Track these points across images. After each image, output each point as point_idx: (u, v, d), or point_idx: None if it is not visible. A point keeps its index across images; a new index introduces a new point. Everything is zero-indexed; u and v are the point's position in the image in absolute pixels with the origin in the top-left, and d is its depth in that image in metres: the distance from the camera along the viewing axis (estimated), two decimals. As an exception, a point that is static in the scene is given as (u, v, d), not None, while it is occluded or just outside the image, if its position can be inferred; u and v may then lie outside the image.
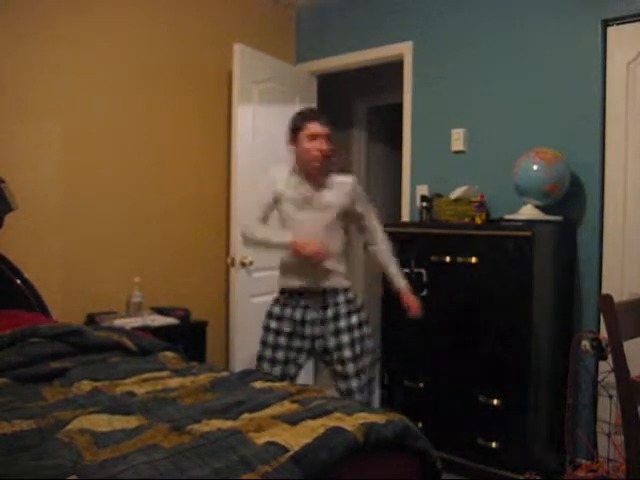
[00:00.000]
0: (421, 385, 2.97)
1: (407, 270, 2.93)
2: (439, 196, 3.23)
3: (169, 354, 2.37)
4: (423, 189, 3.50)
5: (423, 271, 2.92)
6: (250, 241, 2.53)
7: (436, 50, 3.50)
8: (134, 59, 3.34)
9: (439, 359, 2.92)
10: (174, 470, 1.30)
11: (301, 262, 2.44)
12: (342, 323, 2.49)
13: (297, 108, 3.97)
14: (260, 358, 2.56)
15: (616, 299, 1.63)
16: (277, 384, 2.01)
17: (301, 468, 1.35)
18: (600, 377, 2.72)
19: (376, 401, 3.14)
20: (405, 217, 3.61)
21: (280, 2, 4.10)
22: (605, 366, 2.60)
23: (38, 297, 2.87)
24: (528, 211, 2.87)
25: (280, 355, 2.53)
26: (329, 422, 1.56)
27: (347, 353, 2.46)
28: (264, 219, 2.54)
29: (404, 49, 3.64)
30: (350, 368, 2.46)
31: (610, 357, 1.75)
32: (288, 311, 2.53)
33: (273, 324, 2.55)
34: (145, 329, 2.89)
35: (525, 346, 2.64)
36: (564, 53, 3.01)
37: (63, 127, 3.05)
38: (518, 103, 3.17)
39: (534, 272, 2.63)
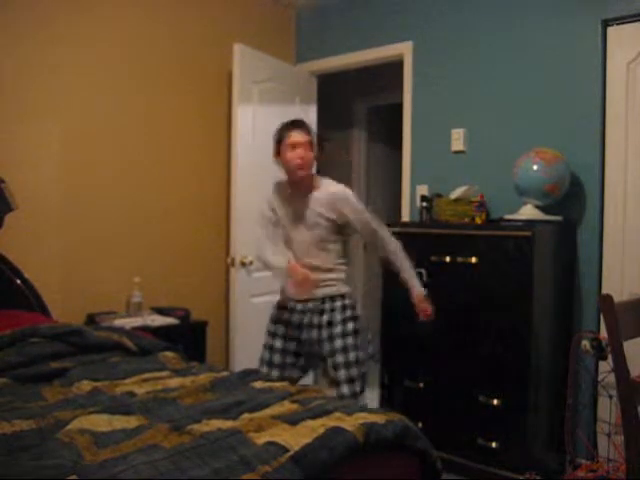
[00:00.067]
0: (421, 385, 2.97)
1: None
2: (439, 196, 3.23)
3: (169, 354, 2.38)
4: (423, 189, 3.50)
5: (423, 271, 2.91)
6: (261, 262, 2.62)
7: (436, 50, 3.50)
8: (134, 59, 3.34)
9: (439, 359, 2.92)
10: (174, 470, 1.30)
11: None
12: (337, 329, 2.48)
13: (297, 108, 3.99)
14: (260, 360, 2.59)
15: (616, 299, 1.63)
16: (277, 384, 2.01)
17: (301, 468, 1.35)
18: (600, 377, 2.71)
19: (376, 401, 3.14)
20: (405, 217, 3.61)
21: (280, 2, 4.10)
22: (605, 366, 2.60)
23: (38, 297, 2.87)
24: (528, 211, 2.87)
25: (277, 358, 2.55)
26: (329, 422, 1.56)
27: (339, 359, 2.45)
28: (273, 238, 2.58)
29: (404, 49, 3.64)
30: (342, 374, 2.45)
31: (610, 357, 1.75)
32: (286, 315, 2.56)
33: (272, 328, 2.59)
34: (145, 329, 2.89)
35: (525, 346, 2.64)
36: (564, 53, 3.01)
37: (63, 127, 3.05)
38: (518, 103, 3.17)
39: (534, 272, 2.63)
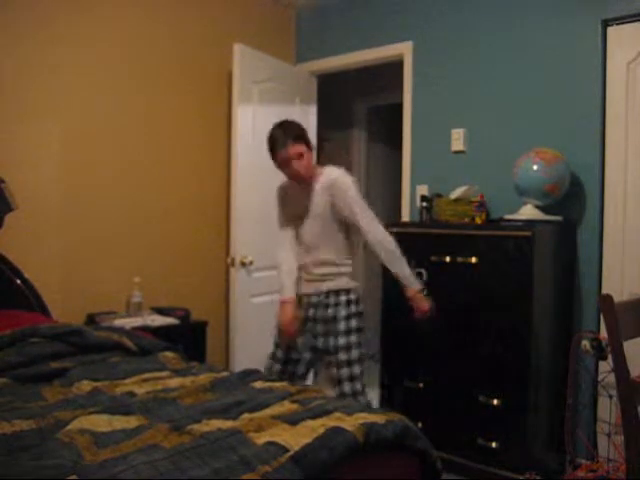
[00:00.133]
0: (421, 385, 2.97)
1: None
2: (439, 196, 3.23)
3: (169, 354, 2.38)
4: (423, 189, 3.50)
5: (423, 271, 2.91)
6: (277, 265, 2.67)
7: (436, 50, 3.50)
8: (134, 59, 3.34)
9: (439, 359, 2.92)
10: (174, 470, 1.30)
11: (306, 271, 2.55)
12: (341, 326, 2.48)
13: (297, 108, 3.99)
14: (270, 356, 2.64)
15: (616, 299, 1.63)
16: (277, 384, 2.01)
17: (301, 468, 1.35)
18: (600, 377, 2.71)
19: (376, 401, 3.14)
20: (405, 217, 3.61)
21: (280, 2, 4.10)
22: (605, 366, 2.60)
23: (38, 297, 2.87)
24: (528, 211, 2.87)
25: (280, 353, 2.58)
26: (329, 422, 1.56)
27: (342, 356, 2.46)
28: (286, 235, 2.62)
29: (404, 49, 3.64)
30: (344, 372, 2.45)
31: (610, 357, 1.75)
32: (302, 311, 2.58)
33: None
34: (145, 329, 2.89)
35: (525, 346, 2.64)
36: (564, 53, 3.01)
37: (63, 127, 3.05)
38: (518, 103, 3.17)
39: (534, 272, 2.63)
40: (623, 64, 2.83)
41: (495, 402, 2.71)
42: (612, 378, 1.73)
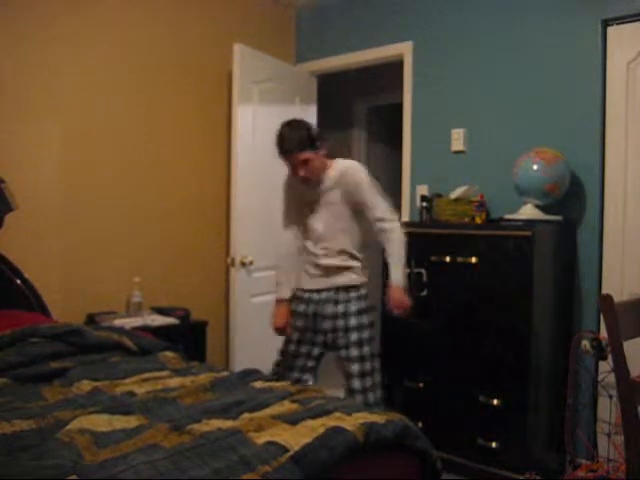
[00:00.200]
0: (421, 385, 2.97)
1: (407, 270, 2.93)
2: (439, 196, 3.23)
3: (169, 354, 2.38)
4: (423, 189, 3.50)
5: (423, 271, 2.92)
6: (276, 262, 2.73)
7: (436, 50, 3.50)
8: (134, 59, 3.34)
9: (439, 359, 2.92)
10: (174, 470, 1.30)
11: (314, 264, 2.55)
12: (352, 321, 2.49)
13: (297, 108, 3.99)
14: (280, 352, 2.66)
15: (616, 299, 1.63)
16: (277, 384, 2.01)
17: (301, 468, 1.35)
18: (600, 377, 2.71)
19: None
20: (405, 217, 3.60)
21: (280, 2, 4.10)
22: (605, 366, 2.60)
23: (38, 297, 2.87)
24: (528, 211, 2.87)
25: (292, 347, 2.60)
26: (329, 422, 1.56)
27: (354, 352, 2.47)
28: (289, 230, 2.65)
29: (404, 49, 3.64)
30: (355, 367, 2.46)
31: (610, 357, 1.75)
32: (302, 307, 2.59)
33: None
34: (145, 329, 2.89)
35: (525, 346, 2.64)
36: (564, 53, 3.01)
37: (63, 127, 3.05)
38: (518, 103, 3.17)
39: (534, 272, 2.63)
40: (623, 64, 2.83)
41: (495, 402, 2.71)
42: (612, 378, 1.73)
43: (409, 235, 3.00)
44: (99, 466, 1.31)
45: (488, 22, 3.28)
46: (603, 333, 2.55)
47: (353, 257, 2.55)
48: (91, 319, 3.04)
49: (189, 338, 3.18)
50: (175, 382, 1.99)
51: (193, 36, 3.62)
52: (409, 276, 2.91)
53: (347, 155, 4.98)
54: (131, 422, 1.59)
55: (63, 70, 3.03)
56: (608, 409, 2.66)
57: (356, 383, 2.46)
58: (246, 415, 1.64)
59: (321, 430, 1.50)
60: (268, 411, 1.67)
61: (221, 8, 3.78)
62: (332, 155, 2.63)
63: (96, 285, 3.18)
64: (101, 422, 1.57)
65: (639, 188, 2.81)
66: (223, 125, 3.79)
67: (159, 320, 3.12)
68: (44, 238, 2.99)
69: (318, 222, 2.54)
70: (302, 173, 2.45)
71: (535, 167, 2.79)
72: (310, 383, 2.58)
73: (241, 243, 3.54)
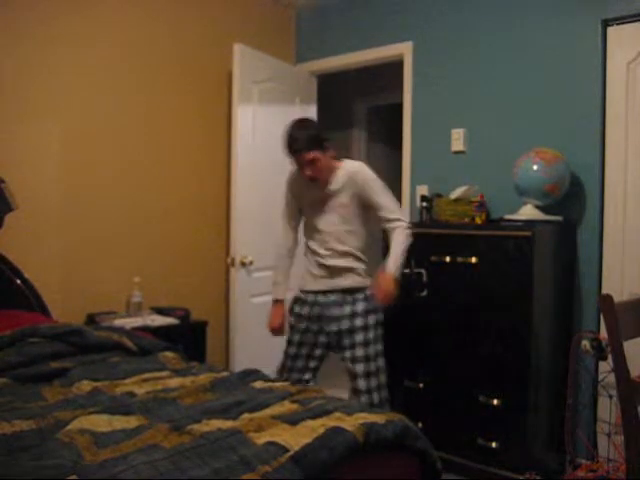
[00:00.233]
0: (421, 385, 2.97)
1: (407, 270, 2.93)
2: (439, 196, 3.23)
3: (169, 354, 2.38)
4: (423, 189, 3.50)
5: (423, 271, 2.92)
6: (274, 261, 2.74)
7: (436, 50, 3.50)
8: (134, 59, 3.34)
9: (439, 359, 2.92)
10: (174, 470, 1.30)
11: (318, 265, 2.54)
12: (358, 322, 2.50)
13: (297, 108, 3.99)
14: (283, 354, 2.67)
15: (616, 299, 1.63)
16: (277, 384, 2.01)
17: (301, 468, 1.35)
18: (600, 377, 2.72)
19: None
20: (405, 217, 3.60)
21: (280, 2, 4.10)
22: (605, 366, 2.60)
23: (38, 297, 2.87)
24: (528, 211, 2.87)
25: (292, 350, 2.60)
26: (329, 422, 1.56)
27: (359, 352, 2.47)
28: (287, 231, 2.66)
29: (404, 49, 3.64)
30: (360, 367, 2.47)
31: (610, 357, 1.75)
32: (306, 309, 2.58)
33: (291, 321, 2.64)
34: (145, 329, 2.89)
35: (525, 346, 2.64)
36: (564, 53, 3.01)
37: (63, 127, 3.05)
38: (518, 103, 3.17)
39: (534, 272, 2.63)
40: (623, 64, 2.83)
41: (495, 402, 2.71)
42: (612, 378, 1.73)
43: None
44: (99, 466, 1.31)
45: (488, 22, 3.28)
46: (603, 333, 2.55)
47: (358, 259, 2.56)
48: (91, 319, 3.04)
49: (189, 338, 3.18)
50: (175, 382, 1.99)
51: (193, 36, 3.62)
52: (409, 276, 2.92)
53: (347, 155, 4.98)
54: (131, 422, 1.59)
55: (63, 70, 3.03)
56: (608, 409, 2.66)
57: (361, 383, 2.46)
58: (246, 415, 1.64)
59: (321, 430, 1.50)
60: (268, 411, 1.67)
61: (221, 8, 3.77)
62: (337, 156, 2.63)
63: (96, 285, 3.18)
64: (101, 422, 1.57)
65: (639, 188, 2.81)
66: (223, 125, 3.79)
67: (159, 320, 3.12)
68: (44, 238, 2.99)
69: (325, 223, 2.54)
70: (309, 172, 2.44)
71: (535, 167, 2.79)
72: (311, 383, 2.58)
73: (241, 243, 3.54)
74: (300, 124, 2.50)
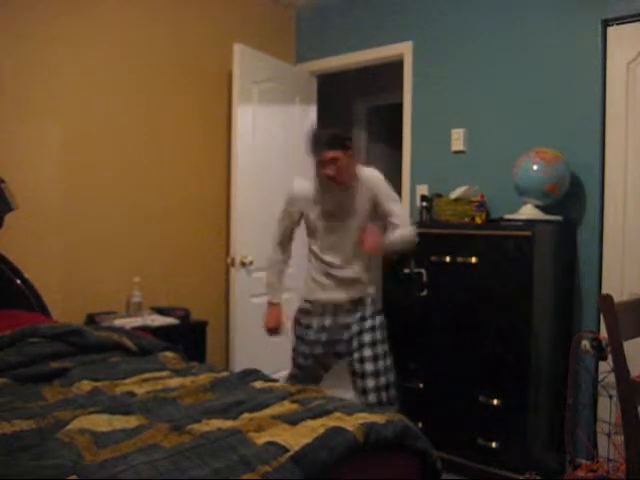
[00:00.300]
0: (421, 385, 2.97)
1: (407, 270, 2.93)
2: (439, 196, 3.23)
3: (169, 354, 2.38)
4: (423, 189, 3.50)
5: (423, 271, 2.91)
6: (269, 264, 2.72)
7: (436, 50, 3.50)
8: (134, 59, 3.34)
9: (439, 359, 2.92)
10: (174, 470, 1.30)
11: (327, 274, 2.52)
12: (367, 323, 2.52)
13: (297, 108, 4.00)
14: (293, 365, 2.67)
15: (616, 299, 1.63)
16: (277, 384, 2.01)
17: (301, 468, 1.35)
18: (600, 377, 2.71)
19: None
20: (405, 217, 3.61)
21: (280, 2, 4.10)
22: (605, 366, 2.60)
23: (38, 297, 2.87)
24: (528, 211, 2.87)
25: (301, 361, 2.60)
26: (329, 422, 1.56)
27: (367, 352, 2.48)
28: (284, 238, 2.64)
29: (404, 49, 3.64)
30: (368, 367, 2.47)
31: (610, 357, 1.75)
32: (315, 320, 2.56)
33: (299, 332, 2.61)
34: (145, 329, 2.89)
35: (525, 346, 2.64)
36: (564, 53, 3.01)
37: (63, 127, 3.05)
38: (518, 103, 3.17)
39: (534, 272, 2.63)
40: (623, 64, 2.83)
41: (495, 402, 2.71)
42: (612, 378, 1.73)
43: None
44: (99, 466, 1.31)
45: (488, 22, 3.28)
46: (603, 333, 2.55)
47: (367, 268, 2.57)
48: (91, 319, 3.04)
49: (189, 338, 3.18)
50: (175, 382, 1.99)
51: (193, 36, 3.62)
52: (409, 276, 2.92)
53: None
54: (131, 422, 1.59)
55: (63, 70, 3.03)
56: (608, 409, 2.66)
57: (370, 382, 2.47)
58: (246, 415, 1.64)
59: (321, 430, 1.50)
60: (268, 411, 1.67)
61: (221, 8, 3.77)
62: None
63: (96, 285, 3.18)
64: (101, 422, 1.57)
65: (639, 188, 2.81)
66: (223, 125, 3.79)
67: (159, 320, 3.12)
68: (44, 238, 2.99)
69: (339, 232, 2.50)
70: (330, 172, 2.40)
71: (535, 167, 2.79)
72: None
73: (241, 243, 3.54)
74: (322, 126, 2.53)
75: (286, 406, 1.73)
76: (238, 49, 3.52)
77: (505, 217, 2.92)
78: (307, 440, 1.44)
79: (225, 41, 3.66)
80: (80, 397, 1.82)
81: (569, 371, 2.77)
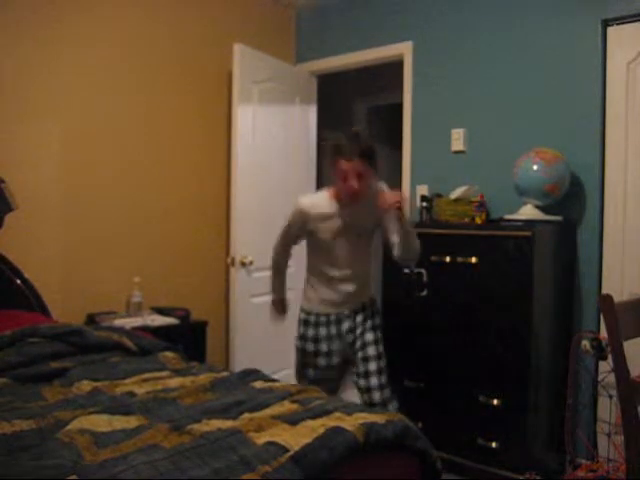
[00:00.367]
0: (421, 385, 2.97)
1: (407, 270, 2.94)
2: (439, 196, 3.23)
3: (169, 354, 2.37)
4: (423, 189, 3.50)
5: (423, 271, 2.91)
6: (273, 270, 2.76)
7: (436, 50, 3.50)
8: (134, 59, 3.34)
9: (439, 359, 2.92)
10: (174, 470, 1.30)
11: (333, 290, 2.50)
12: (368, 323, 2.54)
13: (297, 108, 4.00)
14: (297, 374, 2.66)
15: (616, 299, 1.63)
16: (277, 384, 2.01)
17: (301, 468, 1.35)
18: (600, 377, 2.71)
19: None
20: (405, 217, 3.61)
21: (280, 2, 4.10)
22: (605, 366, 2.60)
23: (38, 297, 2.87)
24: (528, 211, 2.87)
25: (309, 373, 2.58)
26: (329, 422, 1.56)
27: (371, 351, 2.49)
28: (287, 247, 2.65)
29: (404, 49, 3.64)
30: (372, 366, 2.48)
31: (610, 357, 1.75)
32: (321, 330, 2.55)
33: (301, 345, 2.59)
34: (145, 329, 2.89)
35: (525, 346, 2.64)
36: (564, 53, 3.01)
37: (63, 127, 3.05)
38: (518, 103, 3.17)
39: (534, 272, 2.63)
40: (623, 64, 2.83)
41: (495, 402, 2.71)
42: (612, 378, 1.73)
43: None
44: (99, 466, 1.31)
45: (488, 22, 3.28)
46: (603, 333, 2.55)
47: (369, 282, 2.60)
48: (91, 319, 3.04)
49: (189, 338, 3.18)
50: (175, 382, 1.99)
51: (193, 36, 3.62)
52: (409, 276, 2.93)
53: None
54: (131, 422, 1.59)
55: (63, 70, 3.03)
56: (608, 409, 2.66)
57: (374, 380, 2.47)
58: (246, 415, 1.64)
59: (321, 430, 1.50)
60: (268, 411, 1.67)
61: (221, 8, 3.78)
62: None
63: (96, 285, 3.18)
64: (101, 422, 1.57)
65: (639, 188, 2.81)
66: (223, 125, 3.79)
67: (159, 320, 3.12)
68: (44, 238, 2.99)
69: (347, 248, 2.46)
70: (355, 185, 2.29)
71: (535, 167, 2.79)
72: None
73: (241, 243, 3.55)
74: (356, 133, 2.37)
75: (286, 406, 1.73)
76: (238, 49, 3.52)
77: (505, 217, 2.92)
78: (307, 440, 1.44)
79: (225, 41, 3.66)
80: (80, 397, 1.82)
81: (569, 371, 2.77)
